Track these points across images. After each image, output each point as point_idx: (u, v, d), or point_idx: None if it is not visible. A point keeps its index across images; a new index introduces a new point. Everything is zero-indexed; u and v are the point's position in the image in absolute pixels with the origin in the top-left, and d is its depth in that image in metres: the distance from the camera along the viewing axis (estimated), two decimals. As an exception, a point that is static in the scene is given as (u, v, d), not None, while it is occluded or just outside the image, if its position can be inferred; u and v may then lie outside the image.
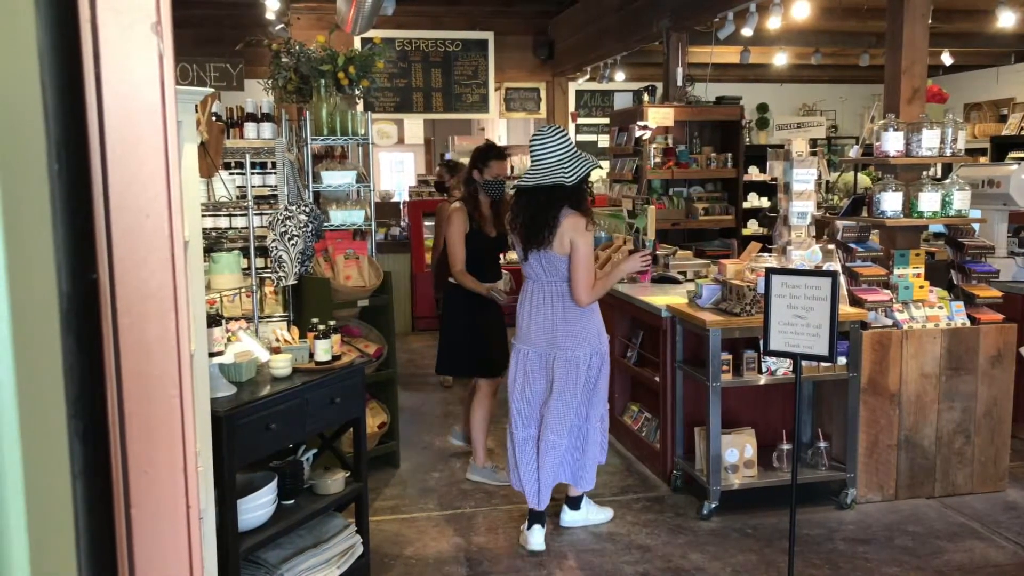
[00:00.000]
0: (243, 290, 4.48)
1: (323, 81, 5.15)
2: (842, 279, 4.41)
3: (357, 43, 8.31)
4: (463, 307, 4.71)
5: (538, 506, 3.95)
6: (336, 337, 3.38)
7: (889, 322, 4.43)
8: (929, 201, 4.49)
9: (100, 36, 0.58)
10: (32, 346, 0.54)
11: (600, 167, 4.05)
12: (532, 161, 3.81)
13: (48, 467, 0.56)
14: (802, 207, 4.45)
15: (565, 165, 3.72)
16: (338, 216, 5.09)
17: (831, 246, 4.62)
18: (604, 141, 10.66)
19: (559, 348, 3.84)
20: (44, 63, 0.52)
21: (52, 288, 0.55)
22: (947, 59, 9.57)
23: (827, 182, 8.67)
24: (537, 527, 3.97)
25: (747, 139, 11.04)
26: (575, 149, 3.80)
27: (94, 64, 0.59)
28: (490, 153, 4.63)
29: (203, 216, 4.24)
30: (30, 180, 0.55)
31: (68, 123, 0.56)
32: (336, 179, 5.15)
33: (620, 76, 9.74)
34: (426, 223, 8.74)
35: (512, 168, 10.48)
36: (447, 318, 4.86)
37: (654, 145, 7.71)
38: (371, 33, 6.97)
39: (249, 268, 4.44)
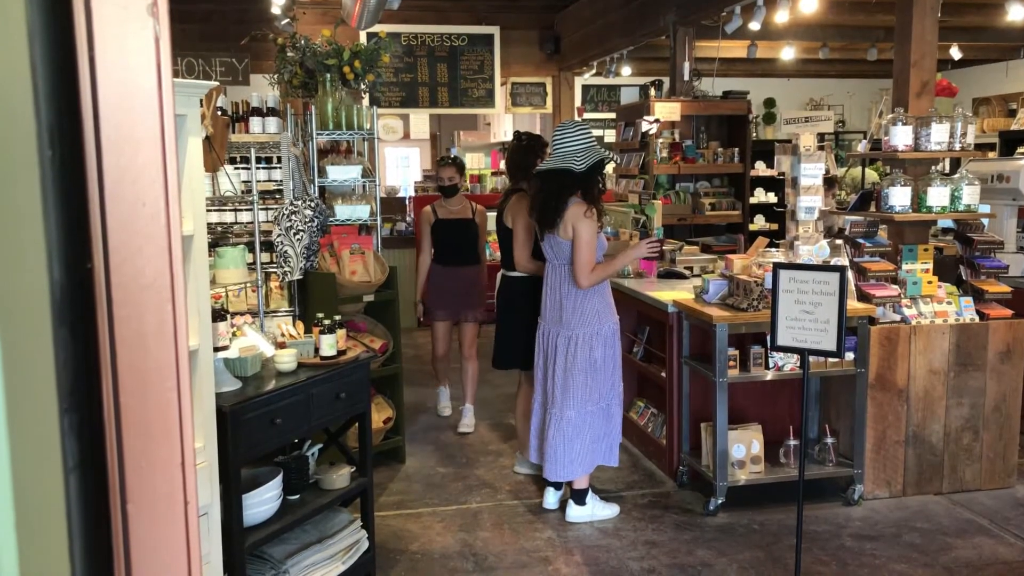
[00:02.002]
0: (248, 285, 4.47)
1: (328, 75, 5.13)
2: (850, 274, 4.39)
3: (363, 37, 8.29)
4: (523, 299, 4.61)
5: (545, 475, 4.22)
6: (341, 332, 3.36)
7: (897, 317, 4.40)
8: (938, 196, 4.45)
9: (94, 17, 0.57)
10: (22, 337, 0.52)
11: (612, 159, 4.19)
12: (552, 149, 4.12)
13: (39, 463, 0.54)
14: (809, 202, 4.42)
15: (578, 155, 3.97)
16: (343, 211, 5.07)
17: (839, 241, 4.60)
18: (610, 136, 10.63)
19: (562, 326, 4.09)
20: (35, 44, 0.51)
21: (44, 277, 0.54)
22: (956, 53, 9.51)
23: (834, 177, 8.63)
24: (551, 489, 4.33)
25: (754, 134, 10.99)
26: (591, 142, 4.05)
27: (88, 46, 0.57)
28: None
29: (208, 211, 4.23)
30: (21, 166, 0.53)
31: (61, 107, 0.55)
32: (341, 174, 5.14)
33: (626, 71, 9.71)
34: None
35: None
36: (512, 311, 4.70)
37: (660, 140, 7.68)
38: (376, 27, 6.95)
39: (254, 263, 4.43)
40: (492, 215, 9.06)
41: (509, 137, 12.70)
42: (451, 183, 5.54)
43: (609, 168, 9.07)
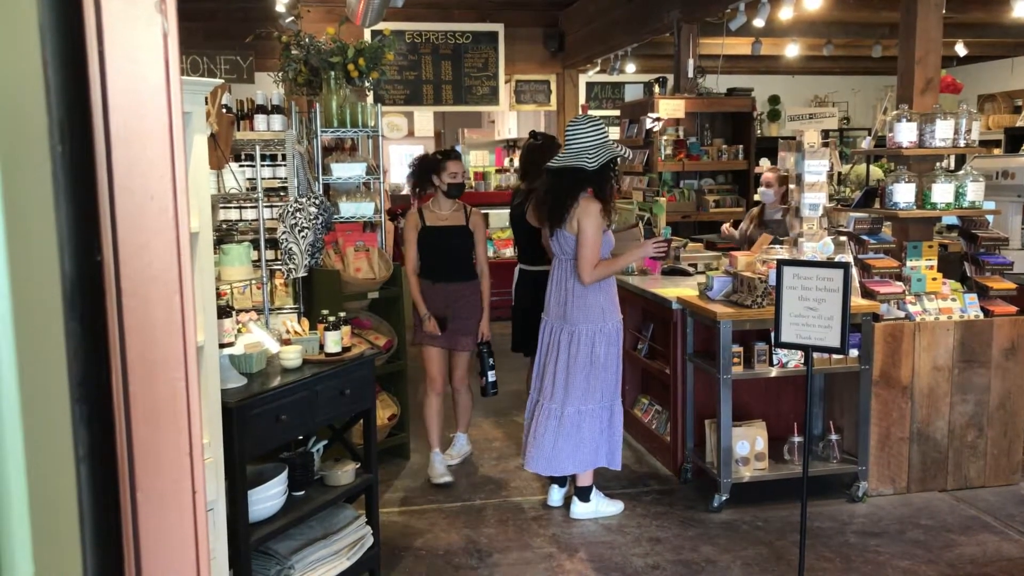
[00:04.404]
0: (253, 282, 4.48)
1: (333, 73, 5.14)
2: (854, 271, 4.39)
3: (367, 35, 8.30)
4: (538, 289, 4.52)
5: (529, 467, 4.22)
6: (346, 329, 3.37)
7: (901, 314, 4.40)
8: (942, 192, 4.45)
9: (103, 13, 0.58)
10: (34, 329, 0.53)
11: (625, 157, 4.16)
12: (564, 145, 4.08)
13: (52, 452, 0.55)
14: (814, 199, 4.42)
15: (590, 151, 3.95)
16: (348, 208, 5.09)
17: (843, 238, 4.59)
18: (615, 133, 10.63)
19: (566, 322, 4.08)
20: (46, 40, 0.52)
21: (55, 270, 0.55)
22: (961, 50, 9.49)
23: (839, 174, 8.62)
24: (555, 487, 4.35)
25: (758, 131, 10.98)
26: (604, 138, 4.03)
27: (97, 43, 0.58)
28: None
29: (213, 208, 4.24)
30: (32, 161, 0.54)
31: (71, 103, 0.56)
32: (346, 171, 5.15)
33: (631, 68, 9.69)
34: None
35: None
36: (531, 303, 4.64)
37: (665, 137, 7.67)
38: (381, 25, 6.96)
39: (259, 260, 4.44)
40: (497, 212, 8.80)
41: (513, 135, 12.66)
42: (457, 180, 4.63)
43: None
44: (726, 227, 5.93)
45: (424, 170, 4.66)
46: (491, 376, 4.74)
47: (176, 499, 0.69)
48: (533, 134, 4.94)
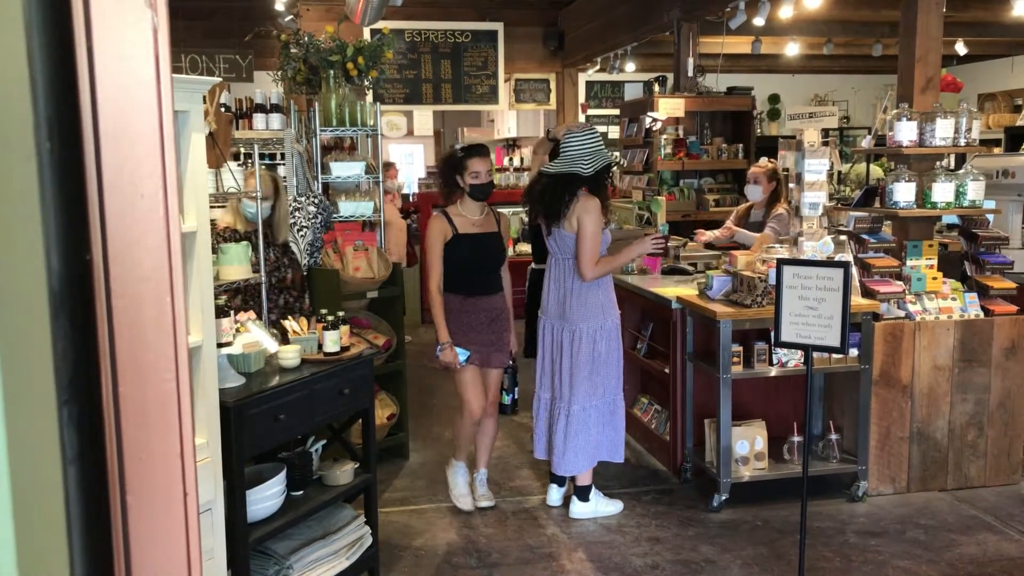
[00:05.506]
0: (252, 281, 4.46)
1: (332, 72, 5.14)
2: (854, 270, 4.38)
3: (366, 34, 8.30)
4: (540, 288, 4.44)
5: (553, 470, 4.26)
6: (345, 328, 3.36)
7: (902, 313, 4.39)
8: (943, 191, 4.44)
9: (92, 8, 0.57)
10: (20, 328, 0.53)
11: (618, 164, 4.19)
12: (561, 151, 4.12)
13: (38, 454, 0.54)
14: (814, 198, 4.41)
15: (585, 158, 4.00)
16: (347, 207, 5.08)
17: (843, 237, 4.59)
18: (614, 132, 10.61)
19: (567, 321, 4.10)
20: (32, 36, 0.51)
21: (42, 268, 0.54)
22: (961, 48, 9.48)
23: (839, 172, 8.60)
24: (554, 486, 4.35)
25: (758, 130, 10.96)
26: (599, 146, 4.09)
27: (85, 37, 0.57)
28: None
29: (211, 207, 4.22)
30: (19, 158, 0.53)
31: (59, 99, 0.55)
32: (345, 170, 5.14)
33: (630, 67, 9.68)
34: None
35: (522, 160, 10.44)
36: (536, 299, 4.57)
37: (664, 136, 7.66)
38: (380, 24, 6.95)
39: (258, 260, 4.42)
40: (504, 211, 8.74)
41: (513, 134, 12.63)
42: (488, 180, 4.13)
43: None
44: (699, 232, 5.96)
45: (449, 169, 4.15)
46: (515, 393, 4.50)
47: (167, 502, 0.68)
48: (548, 132, 4.93)
